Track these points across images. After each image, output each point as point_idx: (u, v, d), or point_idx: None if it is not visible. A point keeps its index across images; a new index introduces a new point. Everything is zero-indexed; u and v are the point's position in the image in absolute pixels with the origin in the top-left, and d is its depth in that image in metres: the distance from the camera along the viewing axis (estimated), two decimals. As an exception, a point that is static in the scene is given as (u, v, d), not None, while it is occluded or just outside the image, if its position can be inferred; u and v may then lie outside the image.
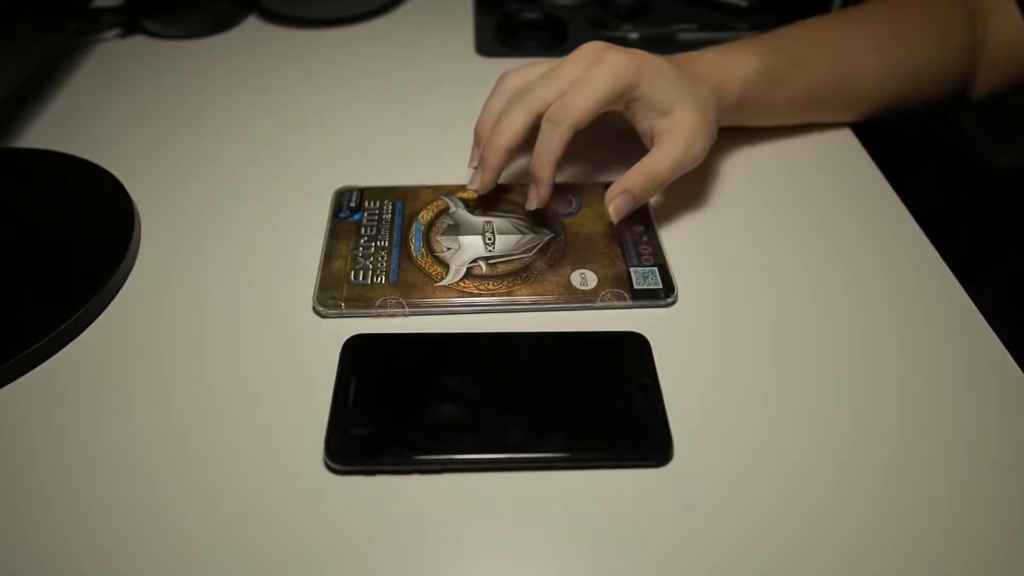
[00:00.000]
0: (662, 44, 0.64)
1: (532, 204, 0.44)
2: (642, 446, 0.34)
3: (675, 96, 0.43)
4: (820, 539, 0.32)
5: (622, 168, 0.44)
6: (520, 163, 0.51)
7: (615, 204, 0.43)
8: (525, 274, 0.43)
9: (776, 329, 0.41)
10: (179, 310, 0.41)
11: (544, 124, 0.42)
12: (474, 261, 0.43)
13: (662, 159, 0.43)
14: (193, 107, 0.57)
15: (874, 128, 0.55)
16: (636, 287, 0.42)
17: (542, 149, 0.42)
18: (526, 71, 0.45)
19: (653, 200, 0.48)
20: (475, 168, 0.46)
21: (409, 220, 0.46)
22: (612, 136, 0.49)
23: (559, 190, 0.48)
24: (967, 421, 0.36)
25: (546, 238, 0.45)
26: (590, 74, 0.42)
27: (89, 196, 0.47)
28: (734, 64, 0.47)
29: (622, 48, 0.43)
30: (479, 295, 0.41)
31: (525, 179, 0.49)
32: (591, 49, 0.43)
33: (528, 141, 0.43)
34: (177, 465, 0.34)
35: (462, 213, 0.47)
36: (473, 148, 0.47)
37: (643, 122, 0.44)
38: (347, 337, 0.39)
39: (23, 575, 0.30)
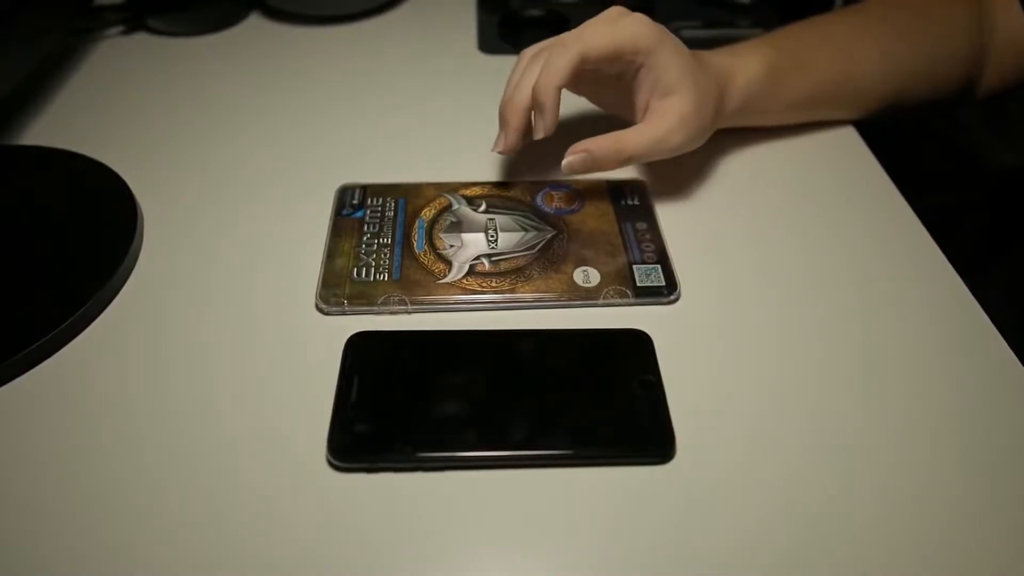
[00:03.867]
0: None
1: (538, 133, 0.43)
2: (644, 444, 0.34)
3: (681, 80, 0.42)
4: (822, 537, 0.32)
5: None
6: (527, 161, 0.51)
7: (572, 159, 0.43)
8: (528, 271, 0.42)
9: (778, 326, 0.40)
10: (181, 307, 0.41)
11: (553, 47, 0.41)
12: (477, 258, 0.43)
13: (636, 137, 0.43)
14: (196, 104, 0.57)
15: (877, 125, 0.55)
16: (639, 284, 0.42)
17: (546, 70, 0.41)
18: (544, 42, 0.45)
19: (655, 198, 0.48)
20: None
21: (412, 217, 0.46)
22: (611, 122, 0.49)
23: (561, 187, 0.48)
24: (970, 418, 0.36)
25: (549, 235, 0.45)
26: (615, 22, 0.42)
27: (91, 193, 0.47)
28: (738, 68, 0.47)
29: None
30: (482, 292, 0.41)
31: (529, 176, 0.49)
32: (617, 10, 0.43)
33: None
34: (179, 463, 0.34)
35: (465, 210, 0.47)
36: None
37: (642, 96, 0.44)
38: (350, 334, 0.39)
39: (24, 574, 0.30)
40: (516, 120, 0.43)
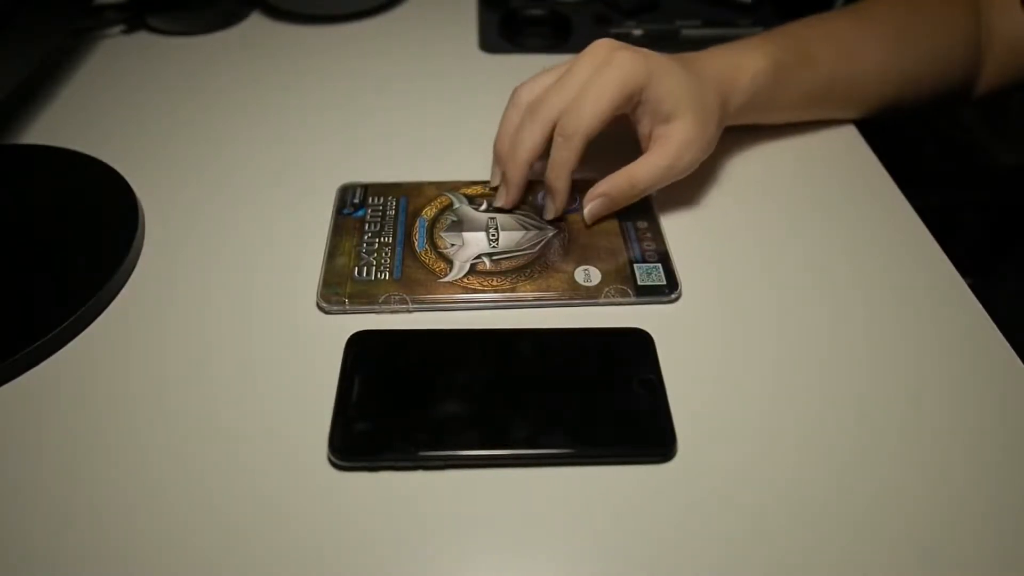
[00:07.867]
0: (665, 40, 0.64)
1: (549, 214, 0.46)
2: (646, 442, 0.34)
3: (678, 103, 0.43)
4: (822, 536, 0.32)
5: (626, 164, 0.44)
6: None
7: (591, 207, 0.45)
8: (529, 270, 0.42)
9: (780, 325, 0.41)
10: (182, 306, 0.41)
11: (556, 139, 0.42)
12: (478, 257, 0.43)
13: (646, 168, 0.44)
14: (197, 104, 0.57)
15: (878, 125, 0.55)
16: (640, 283, 0.42)
17: (555, 163, 0.43)
18: (537, 82, 0.45)
19: (656, 197, 0.48)
20: (499, 185, 0.47)
21: (413, 216, 0.46)
22: (616, 134, 0.49)
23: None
24: (971, 418, 0.36)
25: (550, 234, 0.45)
26: (599, 79, 0.41)
27: (93, 192, 0.47)
28: (742, 65, 0.47)
29: (630, 47, 0.43)
30: (483, 291, 0.41)
31: (530, 175, 0.49)
32: (599, 50, 0.43)
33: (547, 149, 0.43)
34: (180, 462, 0.34)
35: (466, 209, 0.47)
36: (493, 165, 0.48)
37: (645, 126, 0.44)
38: (351, 333, 0.39)
39: (26, 574, 0.30)
40: (518, 177, 0.45)
